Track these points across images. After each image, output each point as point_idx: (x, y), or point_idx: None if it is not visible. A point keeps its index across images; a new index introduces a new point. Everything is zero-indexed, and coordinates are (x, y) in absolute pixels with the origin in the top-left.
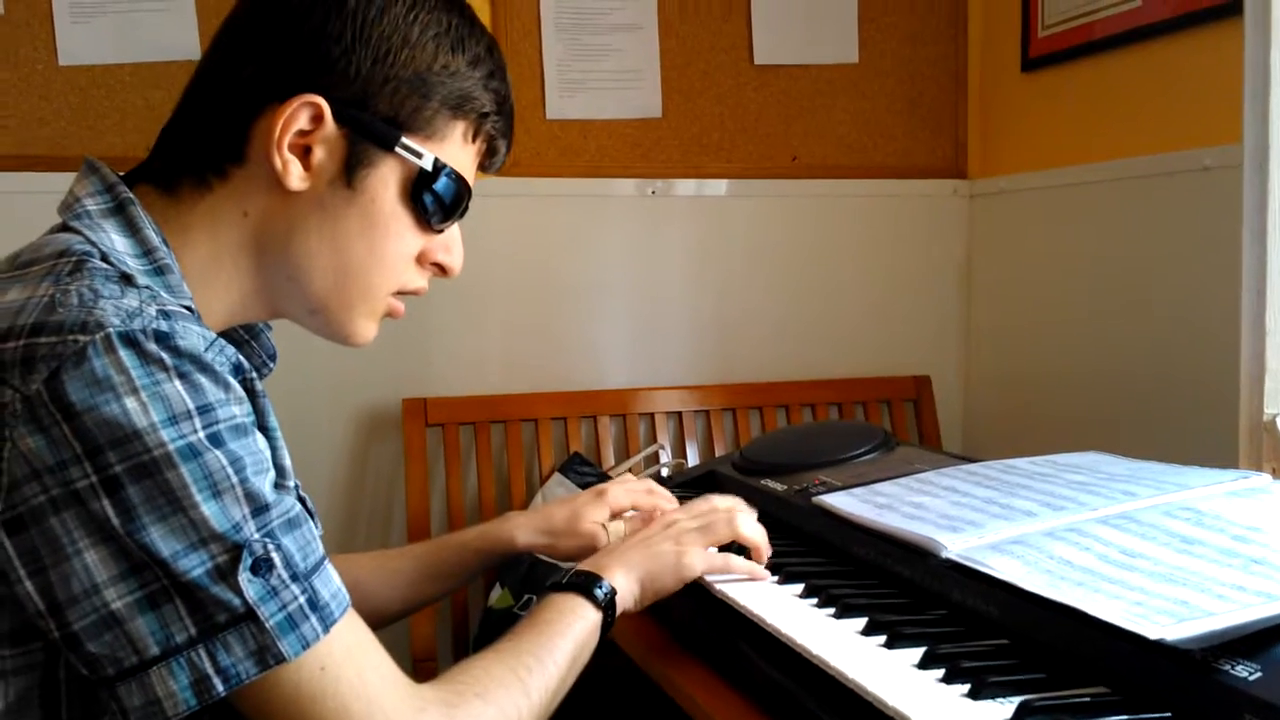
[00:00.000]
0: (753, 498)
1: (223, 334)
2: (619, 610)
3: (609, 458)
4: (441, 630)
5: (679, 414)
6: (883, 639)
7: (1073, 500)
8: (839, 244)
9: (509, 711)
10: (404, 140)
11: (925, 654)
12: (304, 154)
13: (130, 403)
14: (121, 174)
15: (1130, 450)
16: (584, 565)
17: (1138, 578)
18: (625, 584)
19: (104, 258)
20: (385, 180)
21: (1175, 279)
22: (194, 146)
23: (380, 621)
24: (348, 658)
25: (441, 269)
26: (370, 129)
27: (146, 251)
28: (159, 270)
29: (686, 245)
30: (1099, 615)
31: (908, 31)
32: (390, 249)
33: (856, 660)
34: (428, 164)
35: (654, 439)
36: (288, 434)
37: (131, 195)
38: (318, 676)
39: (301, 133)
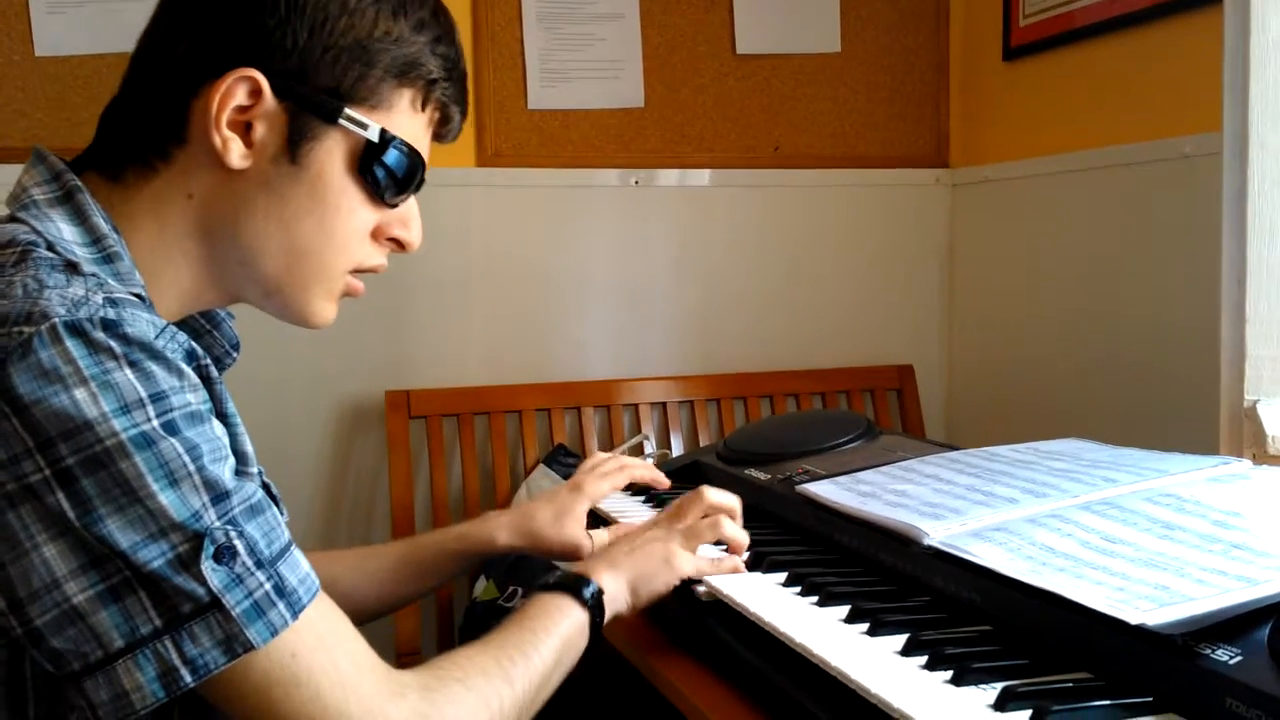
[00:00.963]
0: (736, 487)
1: (182, 323)
2: (610, 612)
3: (593, 449)
4: (426, 623)
5: (663, 404)
6: (865, 627)
7: (1055, 487)
8: (822, 234)
9: (490, 699)
10: (347, 111)
11: (908, 641)
12: (245, 131)
13: (80, 393)
14: (68, 161)
15: (1112, 437)
16: (572, 568)
17: (1119, 563)
18: (614, 585)
19: (50, 247)
20: (331, 154)
21: (1156, 266)
22: (135, 129)
23: (358, 619)
24: (319, 643)
25: (399, 244)
26: (311, 101)
27: (95, 240)
28: (108, 258)
29: (669, 235)
30: (1080, 601)
31: (889, 21)
32: (341, 225)
33: (839, 648)
34: (374, 135)
35: (638, 430)
36: (270, 426)
37: (79, 183)
38: (289, 663)
39: (240, 108)
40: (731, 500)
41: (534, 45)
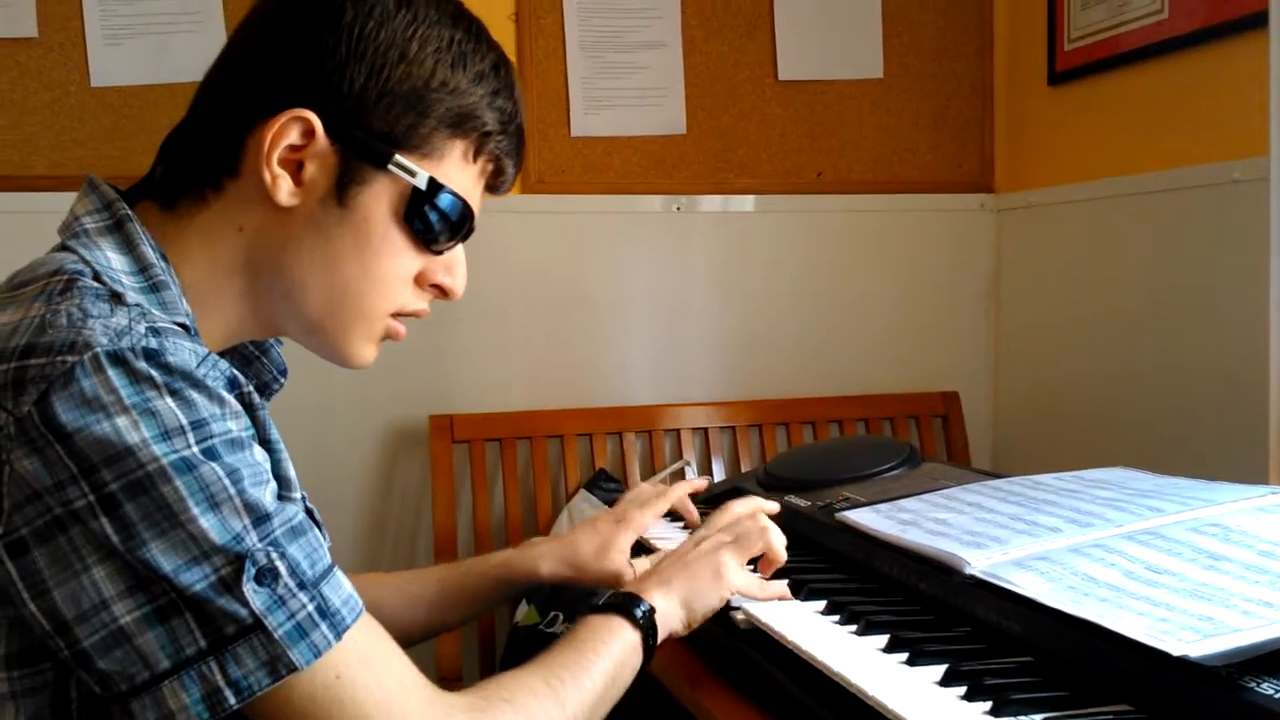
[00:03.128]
0: (777, 514)
1: (232, 349)
2: (664, 632)
3: (635, 474)
4: (468, 648)
5: (705, 430)
6: (904, 656)
7: (1099, 516)
8: (865, 259)
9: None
10: (397, 158)
11: (947, 671)
12: (296, 169)
13: (121, 421)
14: (123, 190)
15: (1160, 466)
16: (623, 588)
17: (1163, 594)
18: (666, 604)
19: (96, 276)
20: (378, 198)
21: (1205, 293)
22: (192, 161)
23: (400, 643)
24: (364, 665)
25: (442, 291)
26: (363, 145)
27: (142, 269)
28: (154, 287)
29: (712, 261)
30: (1122, 632)
31: (933, 46)
32: (384, 269)
33: (877, 677)
34: (422, 183)
35: (680, 455)
36: (315, 450)
37: (130, 212)
38: (334, 685)
39: (293, 148)
40: (767, 504)
41: (577, 73)
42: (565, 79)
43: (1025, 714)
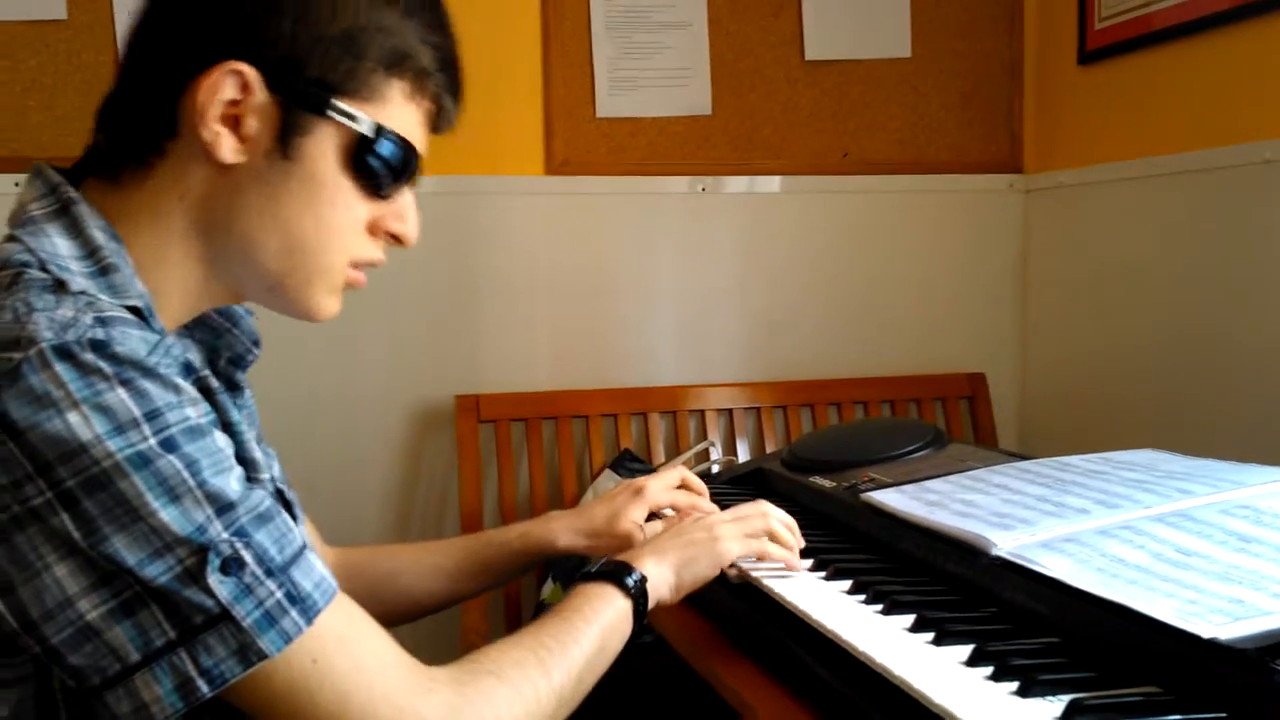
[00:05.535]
0: (801, 494)
1: (201, 322)
2: (654, 599)
3: (659, 454)
4: (494, 622)
5: (729, 411)
6: (931, 636)
7: (1127, 498)
8: (892, 240)
9: (525, 690)
10: (337, 103)
11: (974, 651)
12: (235, 124)
13: (73, 417)
14: (68, 169)
15: (1190, 447)
16: (616, 557)
17: (1192, 576)
18: (658, 571)
19: (42, 266)
20: (322, 147)
21: (1234, 272)
22: (129, 128)
23: (418, 613)
24: (341, 646)
25: (396, 238)
26: (301, 94)
27: (90, 252)
28: (104, 270)
29: (737, 242)
30: (1151, 614)
31: (961, 25)
32: (337, 219)
33: (903, 657)
34: (366, 128)
35: (704, 436)
36: (343, 431)
37: (74, 195)
38: (310, 669)
39: (231, 102)
40: (787, 518)
41: (602, 54)
42: (590, 59)
43: (1052, 694)
